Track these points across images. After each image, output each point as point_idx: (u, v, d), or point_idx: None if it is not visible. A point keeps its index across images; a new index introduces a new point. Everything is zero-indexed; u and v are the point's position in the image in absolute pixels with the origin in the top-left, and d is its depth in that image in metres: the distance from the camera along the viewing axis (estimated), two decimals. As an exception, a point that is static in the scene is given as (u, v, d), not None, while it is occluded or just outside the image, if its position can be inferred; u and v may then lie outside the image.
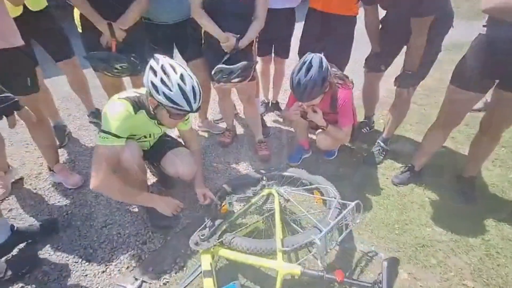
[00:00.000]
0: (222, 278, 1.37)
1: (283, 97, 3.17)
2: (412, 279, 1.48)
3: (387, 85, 2.74)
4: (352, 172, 2.22)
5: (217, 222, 1.46)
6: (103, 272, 1.47)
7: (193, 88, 1.33)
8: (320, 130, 2.06)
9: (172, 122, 1.47)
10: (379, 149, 2.33)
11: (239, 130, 2.76)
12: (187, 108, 1.32)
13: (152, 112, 1.44)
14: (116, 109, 1.36)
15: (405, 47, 2.04)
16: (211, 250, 1.34)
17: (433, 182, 2.09)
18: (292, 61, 2.31)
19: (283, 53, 2.62)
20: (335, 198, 1.53)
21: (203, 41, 2.04)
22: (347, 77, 1.94)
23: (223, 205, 1.70)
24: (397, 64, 2.15)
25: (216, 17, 1.79)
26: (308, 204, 1.89)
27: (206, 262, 1.29)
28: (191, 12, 1.82)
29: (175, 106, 1.31)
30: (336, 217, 1.38)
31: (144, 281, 1.42)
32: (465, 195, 1.95)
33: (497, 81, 1.54)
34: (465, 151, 2.43)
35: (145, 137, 1.63)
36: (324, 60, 1.64)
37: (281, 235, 1.34)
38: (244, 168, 2.26)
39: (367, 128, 2.69)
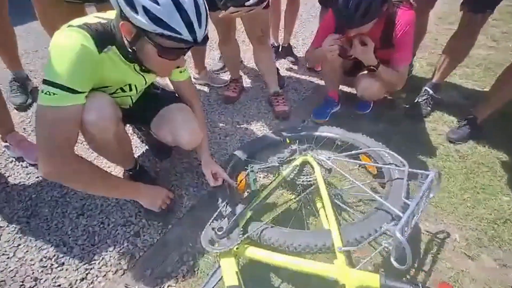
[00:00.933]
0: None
1: (296, 40, 2.56)
2: (502, 267, 1.11)
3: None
4: (394, 128, 1.76)
5: (238, 207, 1.02)
6: (82, 280, 1.06)
7: (195, 1, 0.79)
8: (360, 74, 1.54)
9: (162, 66, 0.91)
10: (426, 98, 1.85)
11: (246, 82, 2.21)
12: (187, 36, 0.79)
13: (129, 49, 0.89)
14: (66, 45, 0.81)
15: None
16: (234, 251, 0.92)
17: (500, 137, 1.64)
18: None
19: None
20: (403, 165, 1.09)
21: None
22: None
23: (240, 181, 1.26)
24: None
25: None
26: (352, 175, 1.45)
27: (228, 268, 0.87)
28: None
29: (166, 32, 0.77)
30: (408, 194, 0.95)
31: (141, 290, 1.01)
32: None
33: None
34: None
35: (123, 90, 1.07)
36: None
37: (335, 224, 0.91)
38: (258, 129, 1.77)
39: (408, 72, 2.16)
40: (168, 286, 1.03)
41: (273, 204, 1.30)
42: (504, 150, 1.57)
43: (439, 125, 1.79)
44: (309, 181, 1.18)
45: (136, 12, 0.76)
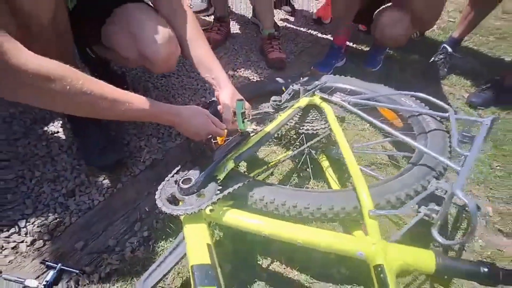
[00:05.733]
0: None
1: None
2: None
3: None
4: (408, 89, 1.48)
5: (216, 153, 0.69)
6: (-20, 253, 0.71)
7: None
8: (382, 9, 1.22)
9: None
10: (444, 57, 1.58)
11: (234, 28, 1.84)
12: None
13: None
14: None
15: None
16: (207, 214, 0.59)
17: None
18: None
19: None
20: (445, 111, 0.80)
21: None
22: None
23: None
24: None
25: None
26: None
27: (195, 239, 0.55)
28: None
29: None
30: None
31: (66, 268, 0.67)
32: None
33: None
34: None
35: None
36: None
37: (364, 184, 0.61)
38: (246, 78, 1.43)
39: (417, 33, 1.88)
40: (108, 264, 0.70)
41: (265, 156, 0.99)
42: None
43: (457, 89, 1.54)
44: (316, 129, 0.87)
45: None
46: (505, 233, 0.91)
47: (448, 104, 1.04)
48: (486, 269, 0.48)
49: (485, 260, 0.83)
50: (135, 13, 0.79)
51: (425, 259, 0.49)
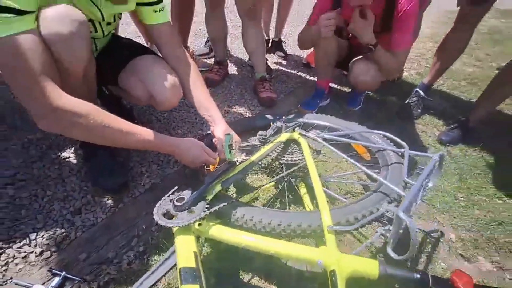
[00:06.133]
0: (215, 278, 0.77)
1: (288, 37, 2.48)
2: (499, 269, 0.98)
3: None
4: (385, 128, 1.64)
5: (207, 178, 0.83)
6: (-7, 262, 0.81)
7: None
8: (355, 59, 1.43)
9: None
10: (417, 100, 1.78)
11: (232, 69, 2.06)
12: None
13: None
14: None
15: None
16: (195, 228, 0.71)
17: (491, 143, 1.58)
18: None
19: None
20: (401, 147, 0.95)
21: None
22: None
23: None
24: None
25: None
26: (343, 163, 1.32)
27: (184, 247, 0.67)
28: None
29: None
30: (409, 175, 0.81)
31: (70, 276, 0.77)
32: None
33: None
34: None
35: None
36: None
37: (325, 203, 0.74)
38: (240, 114, 1.61)
39: (397, 77, 2.11)
40: (106, 274, 0.80)
41: (251, 182, 1.12)
42: (494, 156, 1.50)
43: (429, 127, 1.71)
44: (294, 160, 1.01)
45: None
46: (465, 257, 1.01)
47: (423, 142, 1.19)
48: (418, 276, 0.59)
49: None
50: (147, 63, 0.98)
51: (370, 267, 0.60)
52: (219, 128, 0.96)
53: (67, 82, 0.77)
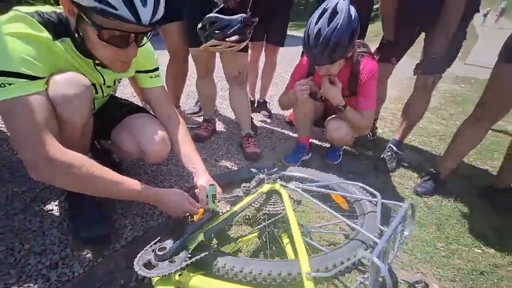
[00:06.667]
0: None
1: (272, 98, 2.73)
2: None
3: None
4: (363, 180, 1.73)
5: (189, 228, 0.85)
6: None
7: None
8: (330, 118, 1.60)
9: (110, 54, 0.82)
10: (391, 154, 1.92)
11: (219, 126, 2.21)
12: (126, 14, 0.72)
13: (76, 34, 0.80)
14: (13, 30, 0.72)
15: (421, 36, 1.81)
16: (176, 279, 0.71)
17: (463, 193, 1.68)
18: (285, 53, 1.91)
19: (278, 39, 2.23)
20: (375, 197, 1.02)
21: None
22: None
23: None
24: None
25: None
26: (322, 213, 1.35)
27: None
28: None
29: (99, 6, 0.69)
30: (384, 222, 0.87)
31: None
32: (501, 211, 1.56)
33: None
34: (493, 156, 2.18)
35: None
36: (353, 8, 1.22)
37: (304, 252, 0.77)
38: (226, 168, 1.68)
39: (370, 134, 2.30)
40: (77, 336, 0.75)
41: (233, 231, 1.13)
42: (468, 206, 1.58)
43: (405, 179, 1.82)
44: (276, 210, 1.05)
45: None
46: (452, 309, 1.00)
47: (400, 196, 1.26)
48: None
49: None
50: (139, 120, 1.08)
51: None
52: (202, 179, 1.02)
53: (65, 137, 0.84)
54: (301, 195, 1.08)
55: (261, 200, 1.09)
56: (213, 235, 0.91)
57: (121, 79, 1.16)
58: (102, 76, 0.98)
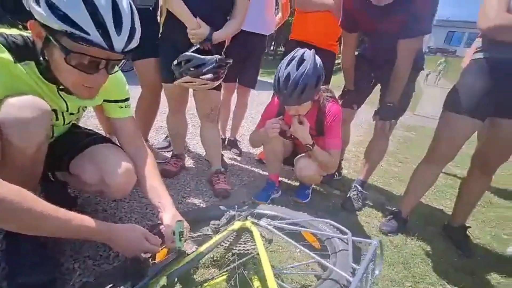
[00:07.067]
0: None
1: (243, 137, 2.78)
2: None
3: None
4: (331, 218, 1.76)
5: (151, 270, 0.76)
6: None
7: (114, 4, 0.73)
8: (299, 156, 1.65)
9: (76, 80, 0.78)
10: (356, 194, 1.99)
11: (188, 162, 2.15)
12: (98, 39, 0.70)
13: (41, 58, 0.77)
14: None
15: (377, 87, 2.03)
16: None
17: (423, 231, 1.76)
18: (255, 96, 2.02)
19: (249, 81, 2.35)
20: (345, 234, 1.02)
21: (160, 35, 1.64)
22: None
23: (161, 248, 1.00)
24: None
25: (186, 0, 1.43)
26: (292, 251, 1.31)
27: None
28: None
29: (70, 29, 0.67)
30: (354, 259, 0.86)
31: None
32: (460, 248, 1.65)
33: (496, 107, 1.42)
34: (446, 196, 2.37)
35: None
36: (318, 57, 1.35)
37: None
38: (194, 205, 1.60)
39: (337, 174, 2.39)
40: None
41: (199, 274, 1.03)
42: (430, 244, 1.65)
43: (371, 218, 1.87)
44: (247, 250, 1.00)
45: (38, 4, 0.67)
46: None
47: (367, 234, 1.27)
48: None
49: None
50: (103, 150, 1.02)
51: None
52: (168, 214, 0.95)
53: (13, 164, 0.75)
54: (273, 233, 1.04)
55: (231, 238, 1.04)
56: (177, 279, 0.82)
57: (86, 107, 1.11)
58: (66, 102, 0.93)
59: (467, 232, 1.72)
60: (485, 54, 1.39)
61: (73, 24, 0.68)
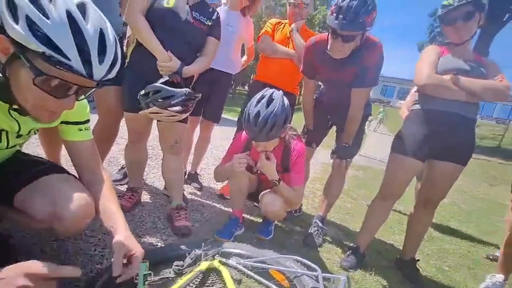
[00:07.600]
0: None
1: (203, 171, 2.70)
2: None
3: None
4: (294, 254, 1.74)
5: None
6: None
7: (101, 32, 0.71)
8: (264, 192, 1.65)
9: (40, 102, 0.71)
10: (317, 230, 2.03)
11: (144, 197, 1.99)
12: (78, 65, 0.66)
13: (2, 73, 0.69)
14: None
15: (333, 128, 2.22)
16: None
17: (379, 265, 1.84)
18: (217, 132, 2.06)
19: (214, 116, 2.38)
20: (315, 271, 1.02)
21: (126, 64, 1.62)
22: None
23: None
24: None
25: (158, 33, 1.46)
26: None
27: None
28: (126, 16, 1.44)
29: (49, 52, 0.63)
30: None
31: None
32: (411, 280, 1.76)
33: (431, 150, 1.65)
34: (395, 231, 2.53)
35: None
36: (285, 97, 1.44)
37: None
38: (151, 244, 1.45)
39: (297, 210, 2.43)
40: None
41: None
42: (386, 278, 1.72)
43: (332, 254, 1.90)
44: (213, 292, 0.93)
45: (16, 21, 0.62)
46: None
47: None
48: None
49: None
50: (56, 182, 0.89)
51: None
52: (119, 237, 0.83)
53: None
54: (243, 273, 0.99)
55: (197, 281, 0.96)
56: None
57: (38, 130, 1.00)
58: (18, 123, 0.83)
59: (417, 265, 1.84)
60: (421, 106, 1.65)
61: (54, 47, 0.63)
